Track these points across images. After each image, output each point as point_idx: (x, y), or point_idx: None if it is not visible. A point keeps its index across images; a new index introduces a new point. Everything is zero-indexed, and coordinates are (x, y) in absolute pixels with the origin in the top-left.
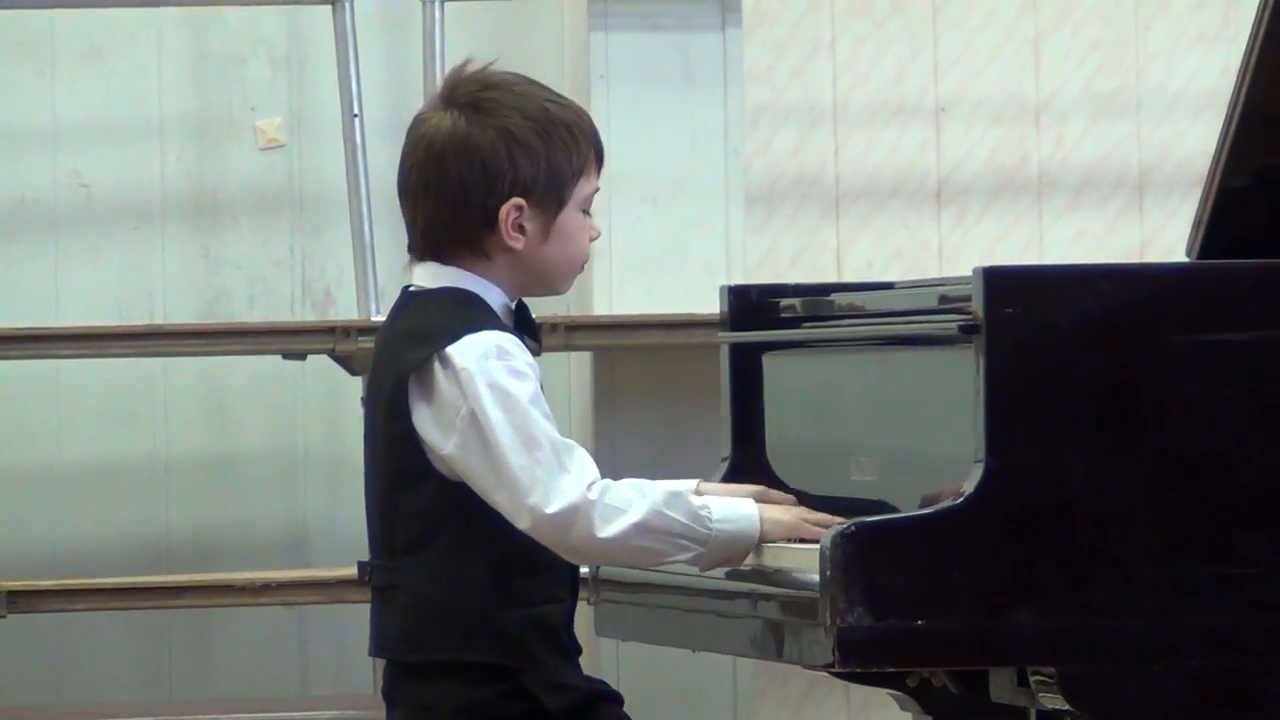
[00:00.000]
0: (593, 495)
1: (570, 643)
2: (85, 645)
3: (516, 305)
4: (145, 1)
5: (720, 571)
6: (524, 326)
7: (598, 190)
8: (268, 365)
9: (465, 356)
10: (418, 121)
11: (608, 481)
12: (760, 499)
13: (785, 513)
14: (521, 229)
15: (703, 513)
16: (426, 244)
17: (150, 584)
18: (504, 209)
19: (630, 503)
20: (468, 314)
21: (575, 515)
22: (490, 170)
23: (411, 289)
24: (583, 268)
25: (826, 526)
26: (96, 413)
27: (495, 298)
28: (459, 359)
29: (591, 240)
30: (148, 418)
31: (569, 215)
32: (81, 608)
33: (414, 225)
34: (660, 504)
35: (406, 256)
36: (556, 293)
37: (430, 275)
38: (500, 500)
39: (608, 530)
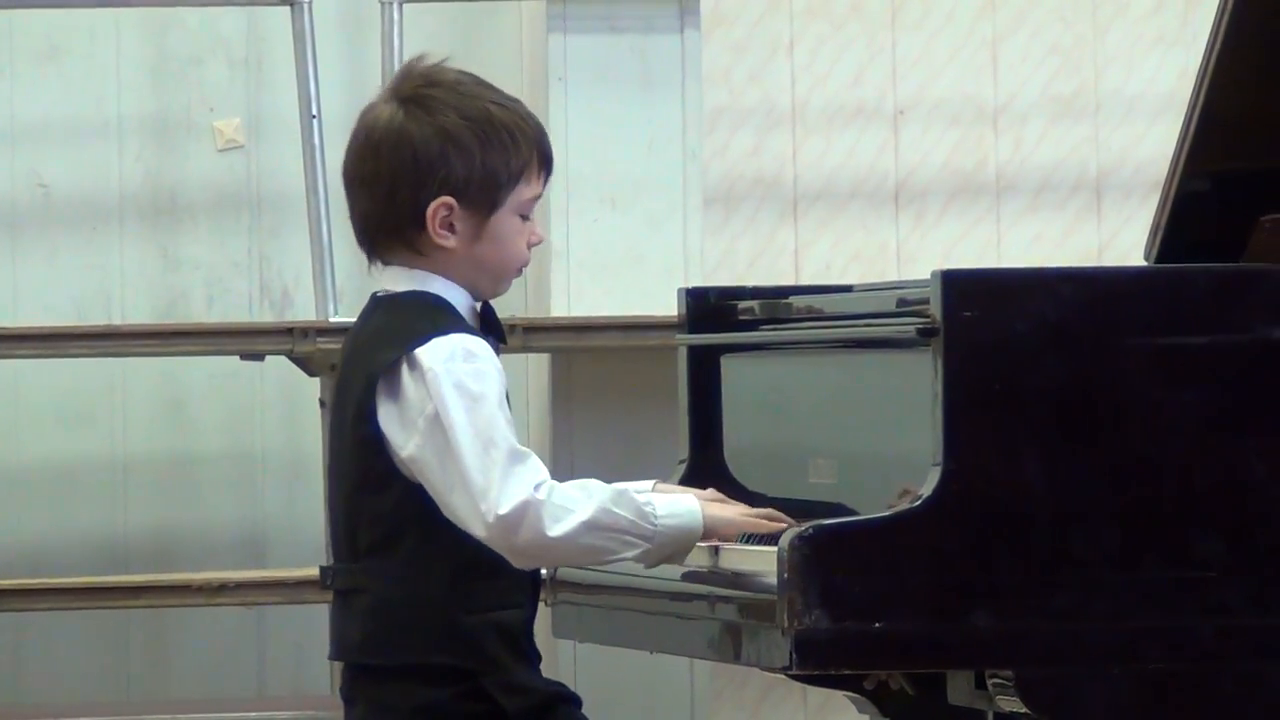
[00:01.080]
0: (540, 495)
1: (530, 648)
2: (43, 645)
3: (481, 307)
4: (104, 2)
5: (678, 573)
6: (489, 327)
7: (539, 196)
8: (226, 366)
9: (432, 358)
10: (365, 110)
11: (554, 483)
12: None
13: (728, 509)
14: (451, 228)
15: (647, 509)
16: (364, 237)
17: (108, 584)
18: (432, 206)
19: (577, 502)
20: (435, 317)
21: (524, 514)
22: (421, 166)
23: (379, 294)
24: (520, 272)
25: (771, 520)
26: (54, 413)
27: (461, 300)
28: (426, 360)
29: (532, 245)
30: (105, 418)
31: (503, 218)
32: (39, 608)
33: (353, 216)
34: (607, 501)
35: (364, 257)
36: (491, 296)
37: (397, 279)
38: (455, 502)
39: (556, 529)
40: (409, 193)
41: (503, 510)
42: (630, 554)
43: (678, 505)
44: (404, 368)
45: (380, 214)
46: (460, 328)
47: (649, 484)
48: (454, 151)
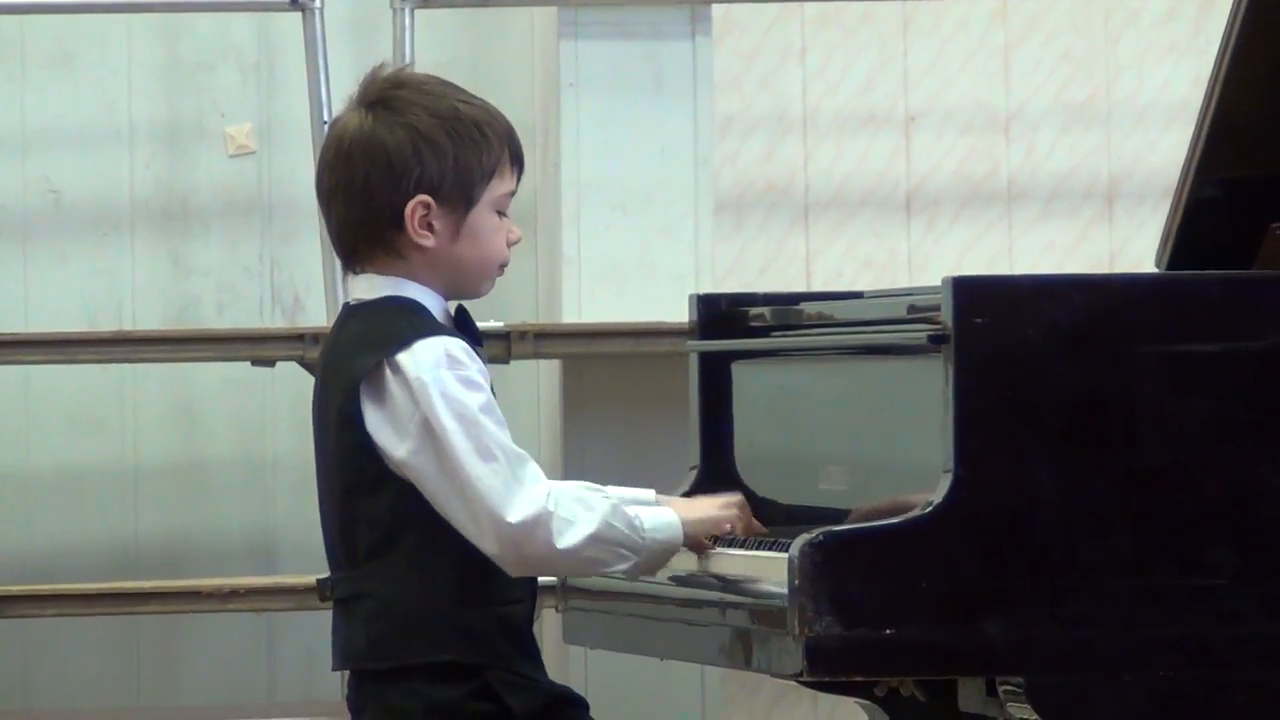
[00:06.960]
0: (550, 506)
1: (531, 643)
2: (53, 651)
3: (456, 311)
4: (116, 7)
5: (688, 580)
6: (465, 331)
7: (513, 192)
8: (236, 372)
9: (417, 365)
10: (332, 123)
11: (557, 490)
12: (740, 506)
13: (703, 510)
14: (430, 227)
15: (637, 523)
16: (343, 245)
17: (118, 590)
18: (409, 206)
19: (579, 515)
20: (413, 320)
21: (535, 526)
22: (396, 167)
23: (351, 303)
24: (502, 270)
25: (736, 508)
26: (65, 419)
27: (435, 304)
28: (410, 367)
29: (511, 244)
30: (116, 424)
31: (480, 215)
32: (49, 613)
33: (330, 226)
34: (608, 514)
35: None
36: (475, 296)
37: (368, 287)
38: (454, 510)
39: (564, 541)
40: (386, 195)
41: (512, 519)
42: (621, 567)
43: (661, 518)
44: (387, 372)
45: (359, 220)
46: (438, 330)
47: (650, 493)
48: (427, 150)
